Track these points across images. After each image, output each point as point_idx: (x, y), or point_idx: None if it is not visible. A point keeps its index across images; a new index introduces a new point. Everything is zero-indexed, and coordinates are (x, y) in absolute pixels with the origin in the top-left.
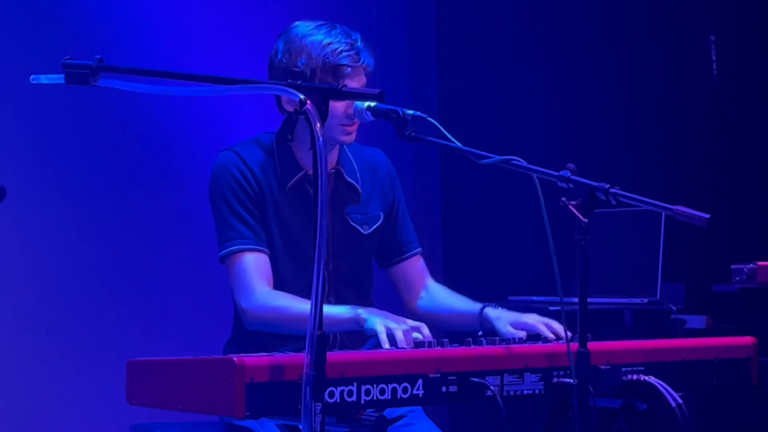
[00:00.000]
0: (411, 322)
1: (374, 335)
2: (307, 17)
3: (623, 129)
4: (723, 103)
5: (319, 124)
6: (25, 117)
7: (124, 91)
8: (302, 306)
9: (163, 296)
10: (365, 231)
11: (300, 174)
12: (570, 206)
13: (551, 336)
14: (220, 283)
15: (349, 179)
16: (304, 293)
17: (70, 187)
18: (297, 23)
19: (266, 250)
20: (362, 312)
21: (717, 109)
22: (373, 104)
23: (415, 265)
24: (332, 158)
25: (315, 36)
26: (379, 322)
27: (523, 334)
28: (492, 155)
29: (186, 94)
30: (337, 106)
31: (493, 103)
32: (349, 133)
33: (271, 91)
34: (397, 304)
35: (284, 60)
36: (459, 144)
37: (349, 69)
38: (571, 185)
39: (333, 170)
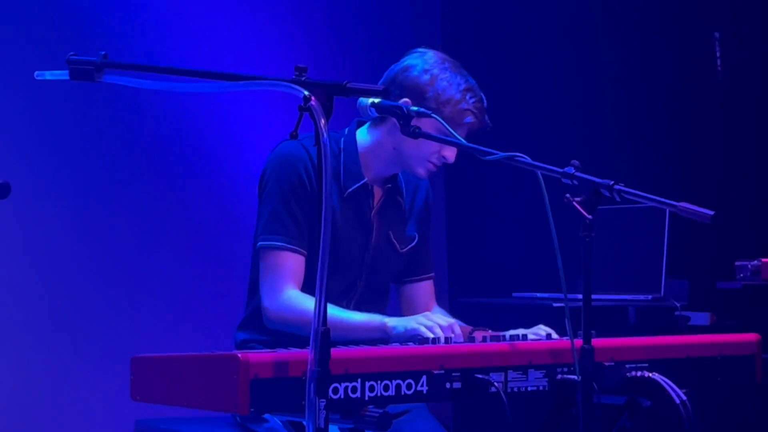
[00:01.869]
0: (443, 319)
1: (401, 342)
2: (313, 17)
3: (627, 125)
4: (727, 99)
5: (323, 121)
6: (29, 113)
7: (129, 87)
8: (329, 311)
9: (168, 292)
10: (401, 249)
11: (361, 183)
12: (574, 203)
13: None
14: (225, 279)
15: (397, 197)
16: (333, 299)
17: (74, 183)
18: (432, 51)
19: (305, 252)
20: (389, 320)
21: (721, 105)
22: (377, 100)
23: (425, 288)
24: (390, 174)
25: (457, 75)
26: (413, 322)
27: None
28: (496, 152)
29: (191, 90)
30: (433, 144)
31: (497, 99)
32: (429, 172)
33: (275, 87)
34: None
35: (422, 78)
36: (463, 140)
37: (471, 118)
38: (575, 182)
39: (388, 186)
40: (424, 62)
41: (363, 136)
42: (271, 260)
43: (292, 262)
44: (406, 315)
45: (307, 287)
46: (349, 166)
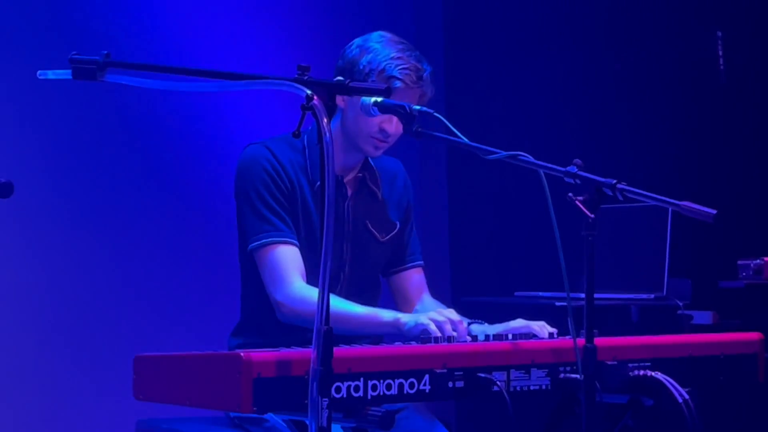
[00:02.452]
0: (454, 315)
1: (414, 337)
2: (315, 16)
3: (630, 125)
4: (729, 98)
5: (325, 120)
6: (31, 113)
7: (132, 86)
8: (340, 304)
9: (171, 292)
10: (382, 238)
11: None
12: (577, 202)
13: (545, 334)
14: (227, 278)
15: (371, 186)
16: None
17: (76, 183)
18: (382, 32)
19: (298, 243)
20: (402, 316)
21: (723, 104)
22: (380, 100)
23: (415, 277)
24: (357, 163)
25: (389, 47)
26: (423, 318)
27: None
28: (499, 151)
29: (193, 89)
30: (374, 119)
31: (500, 98)
32: (378, 148)
33: (277, 86)
34: None
35: (354, 52)
36: (466, 139)
37: (399, 83)
38: (577, 181)
39: (359, 175)
40: (361, 40)
41: None
42: (268, 257)
43: (290, 254)
44: (401, 308)
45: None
46: (314, 159)
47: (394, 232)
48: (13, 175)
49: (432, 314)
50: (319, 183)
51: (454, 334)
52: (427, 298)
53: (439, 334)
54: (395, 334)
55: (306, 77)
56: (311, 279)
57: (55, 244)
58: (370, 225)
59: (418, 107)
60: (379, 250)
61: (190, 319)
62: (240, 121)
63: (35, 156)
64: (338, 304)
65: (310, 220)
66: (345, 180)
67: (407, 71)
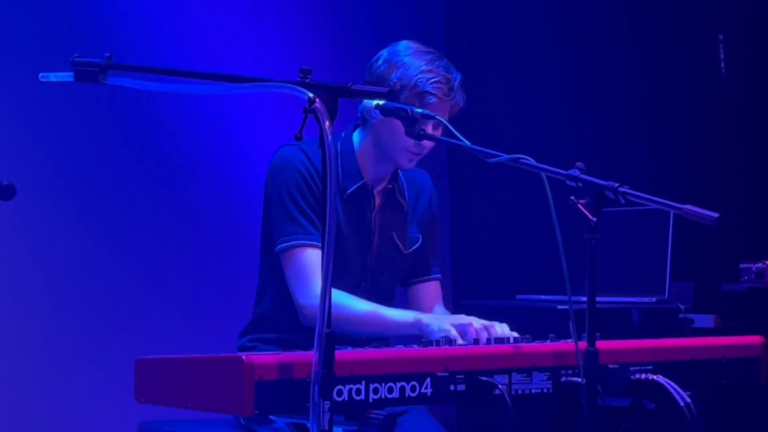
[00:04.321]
0: (477, 321)
1: (436, 339)
2: (318, 18)
3: (632, 128)
4: (731, 101)
5: (327, 122)
6: (34, 115)
7: (134, 89)
8: (364, 307)
9: (173, 294)
10: (406, 250)
11: (360, 183)
12: (579, 205)
13: (464, 338)
14: (230, 281)
15: (398, 197)
16: None
17: (79, 185)
18: (406, 41)
19: None
20: (424, 317)
21: (725, 107)
22: (382, 102)
23: (432, 290)
24: (387, 174)
25: (418, 59)
26: (446, 322)
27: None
28: (501, 154)
29: (195, 92)
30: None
31: (501, 101)
32: (411, 161)
33: (280, 89)
34: None
35: (383, 67)
36: (467, 142)
37: (433, 99)
38: (580, 184)
39: (388, 186)
40: (388, 53)
41: (358, 137)
42: (295, 259)
43: (316, 258)
44: None
45: None
46: (347, 167)
47: (417, 246)
48: (16, 178)
49: (454, 318)
50: (349, 191)
51: (478, 336)
52: (439, 309)
53: (461, 341)
54: (416, 334)
55: (308, 80)
56: (337, 285)
57: (58, 247)
58: (396, 237)
59: (420, 110)
60: (402, 262)
61: (193, 322)
62: (242, 124)
63: (37, 158)
64: (358, 305)
65: (338, 230)
66: (374, 191)
67: (439, 84)
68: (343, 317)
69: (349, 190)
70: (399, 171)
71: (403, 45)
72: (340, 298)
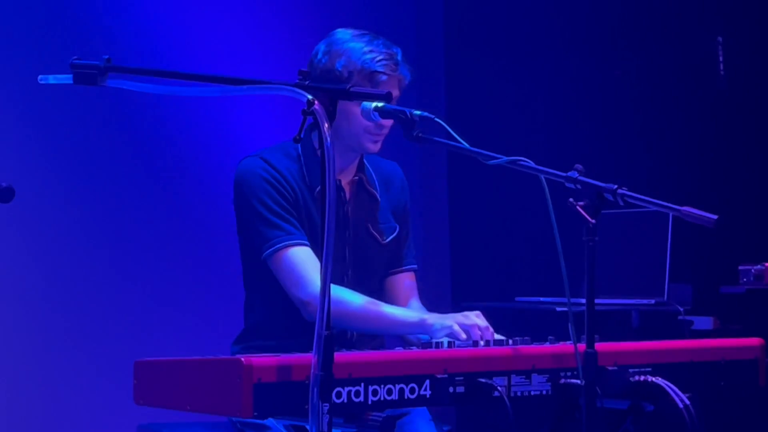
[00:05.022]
0: (481, 320)
1: (439, 340)
2: (317, 19)
3: (631, 130)
4: (730, 103)
5: (327, 125)
6: (32, 117)
7: (133, 91)
8: (364, 302)
9: (171, 296)
10: (383, 240)
11: None
12: (577, 207)
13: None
14: (229, 283)
15: (369, 188)
16: None
17: (78, 187)
18: (339, 29)
19: (309, 244)
20: (429, 317)
21: (724, 109)
22: (380, 105)
23: (407, 281)
24: (353, 166)
25: (357, 42)
26: (451, 320)
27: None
28: (499, 156)
29: (194, 94)
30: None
31: (500, 103)
32: (376, 142)
33: (279, 91)
34: None
35: (324, 60)
36: (466, 144)
37: (384, 77)
38: (578, 186)
39: (355, 178)
40: (325, 45)
41: (317, 134)
42: (284, 260)
43: (305, 254)
44: None
45: None
46: (310, 165)
47: (394, 235)
48: (14, 180)
49: (459, 317)
50: (319, 188)
51: (482, 342)
52: (415, 304)
53: (464, 337)
54: (419, 333)
55: (307, 82)
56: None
57: (57, 250)
58: (371, 228)
59: (418, 112)
60: (381, 253)
61: (192, 324)
62: (242, 127)
63: (36, 161)
64: (359, 300)
65: (314, 227)
66: (343, 184)
67: (384, 61)
68: (344, 312)
69: (318, 188)
70: (365, 162)
71: (339, 33)
72: (340, 292)
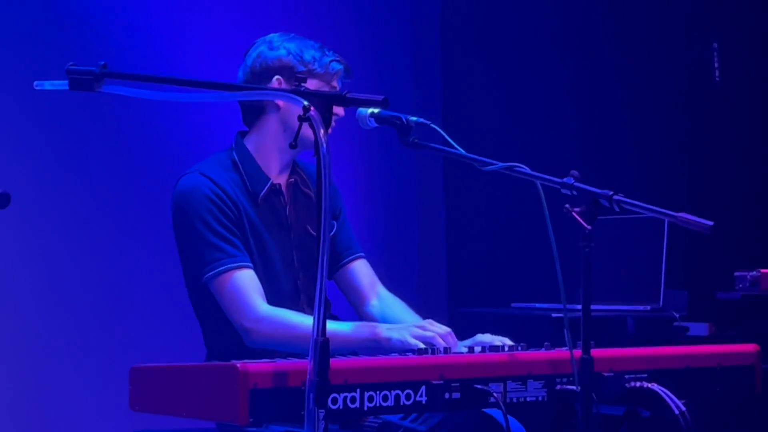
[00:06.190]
0: (439, 326)
1: (398, 350)
2: (312, 23)
3: (626, 136)
4: (725, 109)
5: (323, 131)
6: (29, 123)
7: (129, 97)
8: (310, 322)
9: (167, 302)
10: None
11: (269, 184)
12: (573, 213)
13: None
14: None
15: (303, 189)
16: (288, 306)
17: (73, 192)
18: (269, 36)
19: (252, 266)
20: (380, 329)
21: (720, 115)
22: (376, 111)
23: (360, 269)
24: (288, 166)
25: (298, 41)
26: (406, 332)
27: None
28: (495, 162)
29: (190, 100)
30: (320, 106)
31: (496, 109)
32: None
33: (274, 97)
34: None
35: (271, 60)
36: (462, 151)
37: (340, 65)
38: (574, 192)
39: (291, 180)
40: (271, 42)
41: (251, 140)
42: (226, 285)
43: (248, 278)
44: (354, 301)
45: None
46: (250, 171)
47: (332, 233)
48: (10, 185)
49: (414, 329)
50: (261, 194)
51: (442, 345)
52: (384, 292)
53: (423, 347)
54: (375, 348)
55: (303, 88)
56: (270, 299)
57: (52, 255)
58: (310, 229)
59: (414, 118)
60: None
61: (188, 331)
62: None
63: (32, 167)
64: (306, 320)
65: (259, 236)
66: (281, 186)
67: (336, 55)
68: (293, 335)
69: (261, 193)
70: (297, 164)
71: (278, 36)
72: (288, 315)
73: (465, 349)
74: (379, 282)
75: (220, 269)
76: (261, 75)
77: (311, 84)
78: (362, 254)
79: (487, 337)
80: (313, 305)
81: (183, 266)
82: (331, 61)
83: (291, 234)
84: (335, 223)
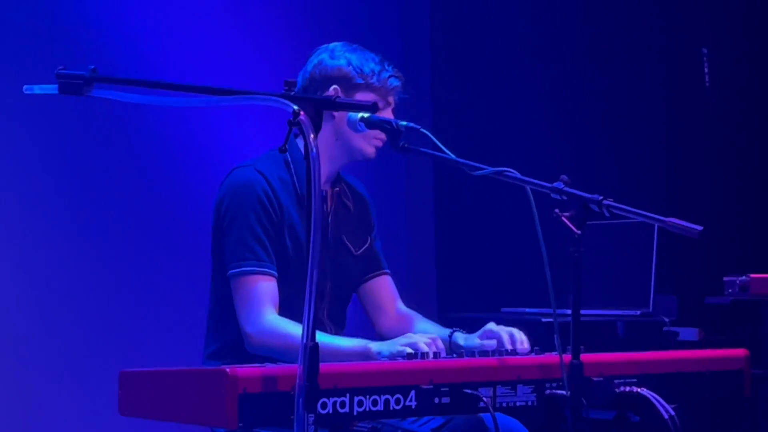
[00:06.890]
0: (423, 336)
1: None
2: (303, 28)
3: (616, 141)
4: (715, 115)
5: (312, 135)
6: (19, 127)
7: (119, 101)
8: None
9: (157, 307)
10: (356, 252)
11: None
12: (563, 218)
13: (509, 347)
14: None
15: (345, 201)
16: (300, 303)
17: (65, 195)
18: (337, 43)
19: (276, 275)
20: (372, 345)
21: (709, 121)
22: (366, 115)
23: (383, 286)
24: (335, 174)
25: (360, 52)
26: (396, 345)
27: (493, 342)
28: (485, 166)
29: (180, 104)
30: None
31: (486, 114)
32: (378, 148)
33: (264, 102)
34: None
35: (332, 64)
36: (452, 155)
37: (396, 82)
38: (564, 197)
39: (336, 189)
40: (333, 51)
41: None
42: (245, 286)
43: (266, 287)
44: (374, 316)
45: (285, 307)
46: (301, 173)
47: (365, 247)
48: (1, 187)
49: (401, 339)
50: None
51: (426, 349)
52: (403, 308)
53: (410, 351)
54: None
55: (292, 92)
56: (296, 299)
57: (42, 259)
58: (345, 239)
59: (404, 123)
60: (355, 264)
61: (177, 335)
62: (231, 135)
63: (22, 169)
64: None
65: (297, 240)
66: (327, 193)
67: (397, 71)
68: (289, 344)
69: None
70: (341, 176)
71: (342, 44)
72: (289, 326)
73: (477, 341)
74: (399, 298)
75: (245, 269)
76: (320, 82)
77: (367, 97)
78: (388, 271)
79: (493, 326)
80: (333, 312)
81: (213, 254)
82: (390, 76)
83: (328, 241)
84: (369, 237)
